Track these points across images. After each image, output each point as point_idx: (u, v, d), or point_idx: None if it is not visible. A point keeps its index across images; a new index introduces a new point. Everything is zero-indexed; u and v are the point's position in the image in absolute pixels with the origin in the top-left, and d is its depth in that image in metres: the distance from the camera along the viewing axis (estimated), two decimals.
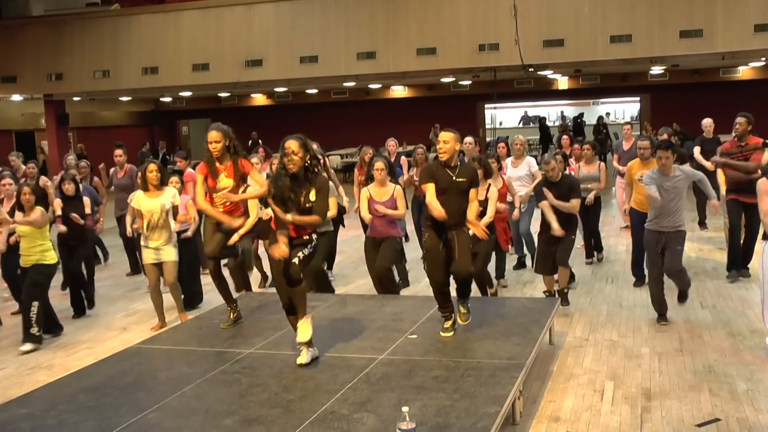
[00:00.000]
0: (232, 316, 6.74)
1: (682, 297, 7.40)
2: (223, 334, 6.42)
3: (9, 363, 7.02)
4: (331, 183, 7.47)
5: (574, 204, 7.75)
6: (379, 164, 7.67)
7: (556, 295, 7.73)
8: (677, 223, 7.12)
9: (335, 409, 4.64)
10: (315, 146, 10.34)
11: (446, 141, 5.93)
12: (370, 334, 6.15)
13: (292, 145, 5.35)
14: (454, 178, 5.92)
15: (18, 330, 7.79)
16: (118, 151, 10.71)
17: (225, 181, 6.39)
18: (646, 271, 7.90)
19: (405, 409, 4.15)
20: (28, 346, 7.30)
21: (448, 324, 6.14)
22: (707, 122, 11.00)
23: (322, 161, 7.53)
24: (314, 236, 5.58)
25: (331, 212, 7.75)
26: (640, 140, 8.66)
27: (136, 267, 10.36)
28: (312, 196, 5.42)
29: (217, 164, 6.36)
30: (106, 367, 5.75)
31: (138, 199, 7.65)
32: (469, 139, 9.71)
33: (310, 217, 5.42)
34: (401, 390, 4.92)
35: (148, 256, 7.66)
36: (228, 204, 6.46)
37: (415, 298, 7.45)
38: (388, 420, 4.39)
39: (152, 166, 7.61)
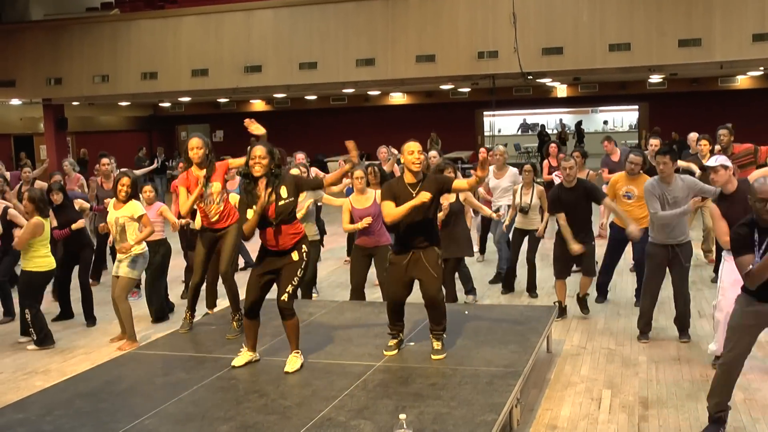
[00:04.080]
0: (236, 326, 6.60)
1: (683, 329, 7.01)
2: (221, 341, 6.41)
3: (5, 368, 7.00)
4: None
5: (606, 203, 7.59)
6: (358, 173, 7.61)
7: (574, 303, 7.80)
8: (683, 234, 6.84)
9: (332, 416, 4.64)
10: (301, 157, 10.46)
11: (419, 151, 5.62)
12: (367, 340, 6.14)
13: (258, 150, 5.41)
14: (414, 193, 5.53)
15: (12, 337, 7.85)
16: (104, 160, 10.24)
17: (215, 186, 6.58)
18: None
19: (402, 416, 4.15)
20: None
21: (392, 342, 5.87)
22: (693, 136, 10.87)
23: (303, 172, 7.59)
24: (304, 253, 5.52)
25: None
26: (634, 154, 8.06)
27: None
28: (284, 192, 5.43)
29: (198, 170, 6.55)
30: (102, 373, 5.74)
31: (109, 206, 7.58)
32: (432, 152, 9.69)
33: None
34: (398, 397, 4.92)
35: (114, 267, 7.57)
36: (222, 213, 6.64)
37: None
38: (385, 427, 4.38)
39: (125, 180, 7.35)
